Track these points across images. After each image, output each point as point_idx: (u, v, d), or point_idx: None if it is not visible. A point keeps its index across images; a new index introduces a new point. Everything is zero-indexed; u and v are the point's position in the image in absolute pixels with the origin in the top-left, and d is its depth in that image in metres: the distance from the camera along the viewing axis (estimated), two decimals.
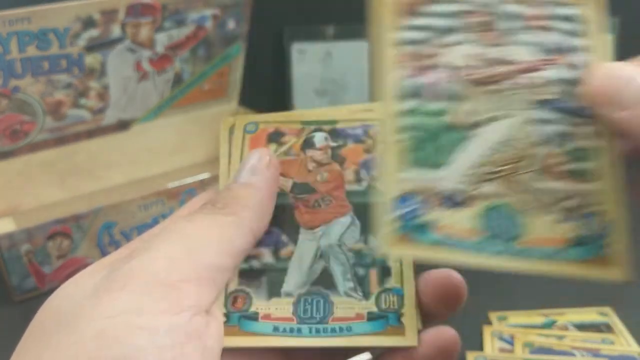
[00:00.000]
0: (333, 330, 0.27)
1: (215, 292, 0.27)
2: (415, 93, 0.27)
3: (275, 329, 0.28)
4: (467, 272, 0.29)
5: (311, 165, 0.31)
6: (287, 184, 0.31)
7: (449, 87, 0.28)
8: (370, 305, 0.28)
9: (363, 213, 0.30)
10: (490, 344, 0.53)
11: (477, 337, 0.54)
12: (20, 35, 0.58)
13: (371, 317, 0.28)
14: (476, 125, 0.27)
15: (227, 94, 0.81)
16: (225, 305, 0.28)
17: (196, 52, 0.73)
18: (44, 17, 0.59)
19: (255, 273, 0.29)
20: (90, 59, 0.65)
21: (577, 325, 0.54)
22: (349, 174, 0.31)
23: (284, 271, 0.29)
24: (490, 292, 0.53)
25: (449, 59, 0.29)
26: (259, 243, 0.29)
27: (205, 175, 0.71)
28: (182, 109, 0.78)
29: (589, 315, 0.56)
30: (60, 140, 0.69)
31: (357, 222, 0.30)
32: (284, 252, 0.30)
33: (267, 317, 0.28)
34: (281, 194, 0.31)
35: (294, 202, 0.31)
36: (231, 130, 0.32)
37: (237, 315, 0.28)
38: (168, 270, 0.26)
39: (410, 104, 0.27)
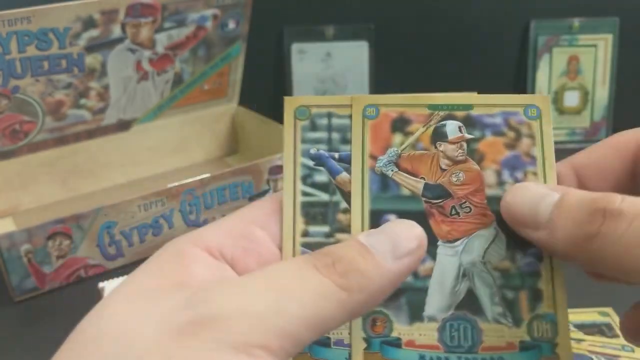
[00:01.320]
0: None
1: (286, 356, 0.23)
2: None
3: (422, 357, 0.25)
4: None
5: (444, 163, 0.27)
6: (418, 185, 0.27)
7: None
8: (521, 333, 0.25)
9: (507, 224, 0.26)
10: None
11: None
12: (19, 35, 0.58)
13: (524, 346, 0.25)
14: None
15: (227, 94, 0.81)
16: (364, 329, 0.26)
17: (196, 52, 0.73)
18: (44, 17, 0.58)
19: (393, 293, 0.25)
20: (90, 59, 0.65)
21: (578, 326, 0.54)
22: (489, 176, 0.27)
23: (424, 291, 0.26)
24: None
25: None
26: None
27: (205, 175, 0.71)
28: (182, 109, 0.78)
29: (590, 315, 0.55)
30: (60, 140, 0.69)
31: (502, 236, 0.26)
32: (422, 268, 0.26)
33: (410, 343, 0.25)
34: (412, 198, 0.27)
35: (429, 209, 0.26)
36: (297, 114, 0.28)
37: (379, 341, 0.25)
38: (242, 329, 0.22)
39: None
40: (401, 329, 0.26)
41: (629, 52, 0.91)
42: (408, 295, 0.26)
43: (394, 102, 0.28)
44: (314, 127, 0.28)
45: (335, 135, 0.28)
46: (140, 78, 0.70)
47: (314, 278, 0.23)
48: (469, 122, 0.27)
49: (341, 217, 0.27)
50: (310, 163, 0.27)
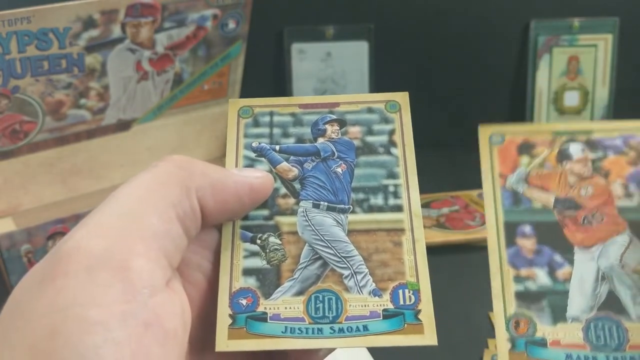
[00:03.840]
0: (632, 359, 0.27)
1: (169, 264, 0.24)
2: None
3: (568, 357, 0.27)
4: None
5: (572, 179, 0.30)
6: (549, 199, 0.30)
7: None
8: None
9: None
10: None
11: (482, 336, 0.54)
12: (19, 35, 0.58)
13: None
14: None
15: (227, 94, 0.81)
16: (508, 330, 0.27)
17: (196, 52, 0.73)
18: (44, 17, 0.58)
19: (534, 295, 0.28)
20: (90, 59, 0.64)
21: None
22: (617, 188, 0.30)
23: (564, 294, 0.28)
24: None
25: None
26: (530, 262, 0.29)
27: None
28: (182, 109, 0.78)
29: None
30: (60, 140, 0.69)
31: (637, 241, 0.29)
32: (560, 273, 0.28)
33: (556, 343, 0.27)
34: (544, 210, 0.29)
35: (562, 220, 0.29)
36: (240, 112, 0.31)
37: (523, 341, 0.27)
38: (110, 247, 0.23)
39: None
40: (545, 329, 0.27)
41: (629, 52, 0.91)
42: (549, 297, 0.28)
43: (519, 130, 0.31)
44: (256, 124, 0.31)
45: (277, 131, 0.31)
46: (140, 78, 0.70)
47: (147, 178, 0.25)
48: (591, 144, 0.30)
49: (280, 201, 0.30)
50: (252, 155, 0.30)
